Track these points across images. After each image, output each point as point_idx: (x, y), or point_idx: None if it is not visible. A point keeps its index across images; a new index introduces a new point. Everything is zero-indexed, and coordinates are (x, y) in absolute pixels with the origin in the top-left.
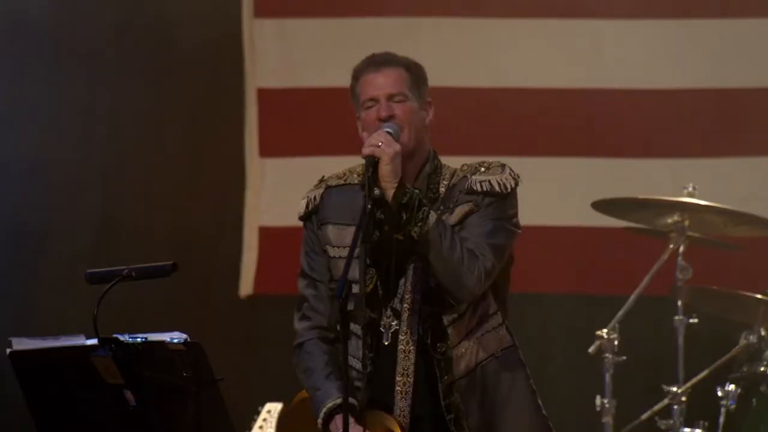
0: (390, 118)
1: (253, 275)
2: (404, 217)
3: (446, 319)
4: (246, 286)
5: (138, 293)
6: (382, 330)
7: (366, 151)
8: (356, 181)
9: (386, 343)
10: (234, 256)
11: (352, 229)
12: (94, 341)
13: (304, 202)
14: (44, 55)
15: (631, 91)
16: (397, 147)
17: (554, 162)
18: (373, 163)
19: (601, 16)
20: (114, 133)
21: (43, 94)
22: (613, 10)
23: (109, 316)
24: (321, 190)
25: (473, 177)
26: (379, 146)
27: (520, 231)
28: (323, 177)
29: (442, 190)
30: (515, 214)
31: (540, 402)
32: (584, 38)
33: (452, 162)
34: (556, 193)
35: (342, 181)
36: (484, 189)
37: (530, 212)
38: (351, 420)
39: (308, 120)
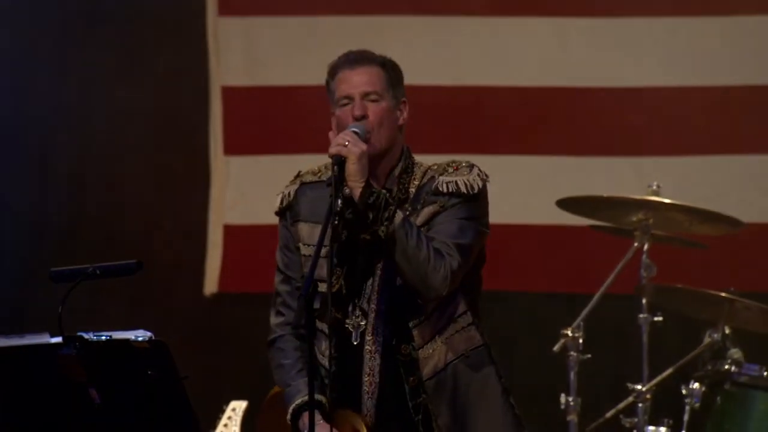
0: (363, 117)
1: (218, 273)
2: (371, 217)
3: (411, 321)
4: (210, 284)
5: (103, 291)
6: (351, 329)
7: (332, 150)
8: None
9: (355, 343)
10: (198, 254)
11: None
12: (58, 339)
13: (279, 198)
14: (12, 53)
15: (596, 89)
16: (363, 146)
17: (519, 160)
18: (339, 162)
19: (566, 14)
20: (79, 132)
21: (10, 94)
22: (578, 9)
23: (73, 314)
24: (296, 187)
25: (440, 178)
26: (345, 145)
27: (488, 231)
28: (299, 172)
29: (412, 190)
30: (484, 215)
31: (513, 401)
32: (548, 36)
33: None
34: (521, 191)
35: (316, 178)
36: (450, 190)
37: (495, 210)
38: (319, 417)
39: (273, 118)
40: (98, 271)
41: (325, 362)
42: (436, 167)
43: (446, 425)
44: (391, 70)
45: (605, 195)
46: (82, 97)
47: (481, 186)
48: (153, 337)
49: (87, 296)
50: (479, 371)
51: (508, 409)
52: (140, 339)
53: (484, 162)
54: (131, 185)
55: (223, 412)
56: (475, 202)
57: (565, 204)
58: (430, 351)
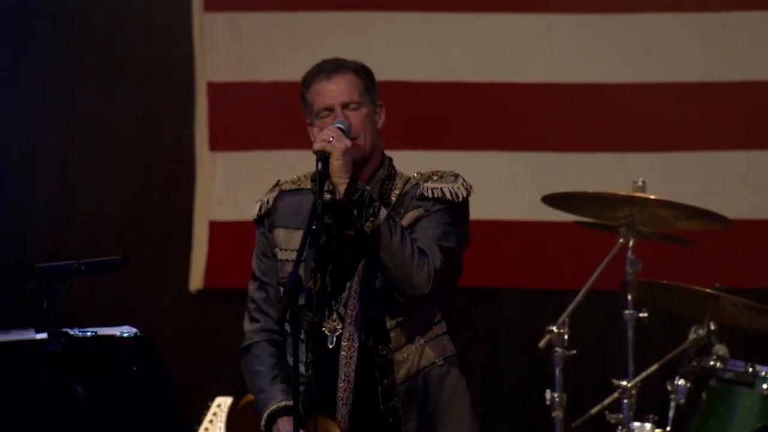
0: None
1: (203, 270)
2: (355, 214)
3: (390, 322)
4: (196, 280)
5: (88, 287)
6: (327, 333)
7: (317, 146)
8: (309, 187)
9: (330, 347)
10: (184, 251)
11: (300, 233)
12: (44, 335)
13: (257, 205)
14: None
15: (582, 85)
16: (348, 142)
17: (505, 156)
18: (323, 158)
19: (553, 10)
20: (64, 127)
21: None
22: (565, 5)
23: (59, 310)
24: (274, 194)
25: (425, 184)
26: (329, 141)
27: (469, 241)
28: (279, 181)
29: (393, 198)
30: (466, 224)
31: (478, 415)
32: (536, 33)
33: (404, 157)
34: (507, 187)
35: (295, 186)
36: (435, 196)
37: (481, 206)
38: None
39: (259, 114)
40: (83, 267)
41: (302, 369)
42: (419, 176)
43: (414, 430)
44: (365, 75)
45: (591, 191)
46: (69, 96)
47: (465, 195)
48: (138, 333)
49: (73, 292)
50: (449, 381)
51: (475, 420)
52: (126, 335)
53: (470, 158)
54: (117, 181)
55: (208, 408)
56: (459, 210)
57: (551, 200)
58: (405, 355)
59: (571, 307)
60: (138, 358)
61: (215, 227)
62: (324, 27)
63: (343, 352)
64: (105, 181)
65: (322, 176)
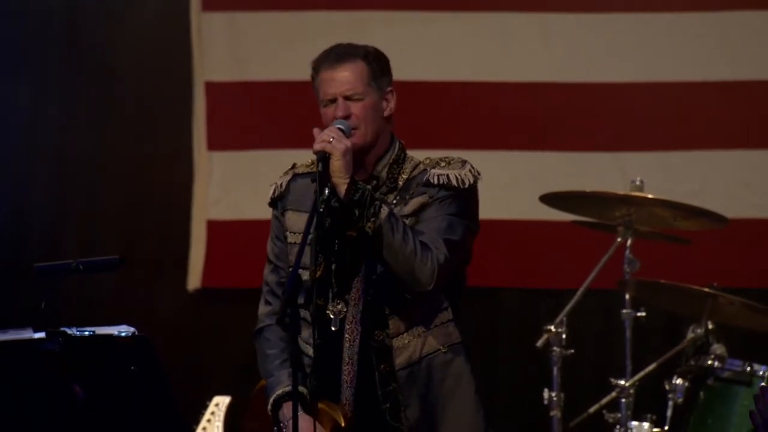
0: (347, 117)
1: (201, 269)
2: (356, 214)
3: (388, 309)
4: (194, 279)
5: (86, 287)
6: (331, 316)
7: (317, 147)
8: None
9: (334, 329)
10: (182, 250)
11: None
12: (42, 335)
13: (272, 188)
14: None
15: (580, 84)
16: (348, 143)
17: (502, 155)
18: (324, 158)
19: (552, 9)
20: (62, 126)
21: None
22: (564, 4)
23: (57, 309)
24: (288, 177)
25: (432, 170)
26: (330, 142)
27: (478, 229)
28: (294, 164)
29: (401, 183)
30: (474, 212)
31: (483, 402)
32: (531, 32)
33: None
34: (505, 186)
35: (309, 169)
36: (441, 182)
37: (479, 206)
38: (299, 409)
39: (257, 113)
40: (81, 267)
41: (308, 349)
42: (428, 161)
43: (414, 418)
44: (374, 61)
45: (588, 190)
46: (68, 95)
47: (472, 182)
48: (136, 333)
49: (71, 292)
50: (454, 368)
51: (479, 408)
52: (123, 334)
53: (468, 157)
54: (115, 181)
55: (206, 407)
56: (466, 198)
57: (549, 199)
58: (406, 341)
59: (569, 307)
60: (136, 358)
61: (213, 227)
62: (323, 26)
63: (346, 335)
64: (103, 181)
65: (322, 177)
